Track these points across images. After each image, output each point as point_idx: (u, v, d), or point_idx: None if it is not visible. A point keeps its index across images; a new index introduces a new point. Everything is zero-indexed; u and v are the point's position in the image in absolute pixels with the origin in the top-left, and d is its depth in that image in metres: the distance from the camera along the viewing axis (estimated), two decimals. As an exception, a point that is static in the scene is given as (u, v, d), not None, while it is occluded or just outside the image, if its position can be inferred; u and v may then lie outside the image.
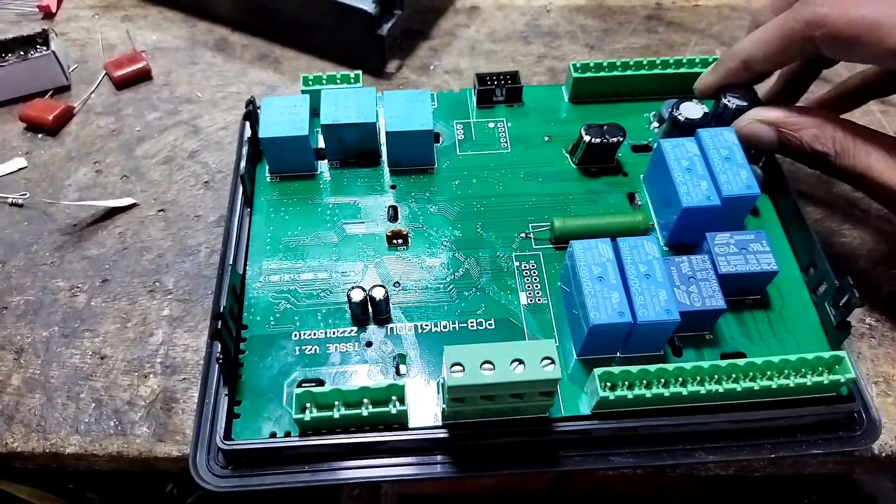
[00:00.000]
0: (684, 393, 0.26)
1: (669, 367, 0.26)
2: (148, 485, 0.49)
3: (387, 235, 0.32)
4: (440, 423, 0.27)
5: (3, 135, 0.41)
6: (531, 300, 0.30)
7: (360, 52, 0.37)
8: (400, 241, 0.32)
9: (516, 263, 0.31)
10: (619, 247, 0.28)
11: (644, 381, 0.26)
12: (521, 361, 0.24)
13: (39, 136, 0.40)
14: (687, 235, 0.31)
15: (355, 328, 0.29)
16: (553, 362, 0.24)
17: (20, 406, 0.31)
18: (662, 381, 0.26)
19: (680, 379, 0.26)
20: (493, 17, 0.48)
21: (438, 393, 0.27)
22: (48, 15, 0.47)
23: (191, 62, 0.44)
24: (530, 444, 0.27)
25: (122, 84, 0.43)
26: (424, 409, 0.27)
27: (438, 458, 0.27)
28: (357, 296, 0.29)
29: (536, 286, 0.31)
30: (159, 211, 0.37)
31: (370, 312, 0.30)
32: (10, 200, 0.37)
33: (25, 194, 0.38)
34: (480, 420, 0.26)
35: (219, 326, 0.26)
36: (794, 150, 0.30)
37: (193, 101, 0.42)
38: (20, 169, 0.39)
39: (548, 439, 0.27)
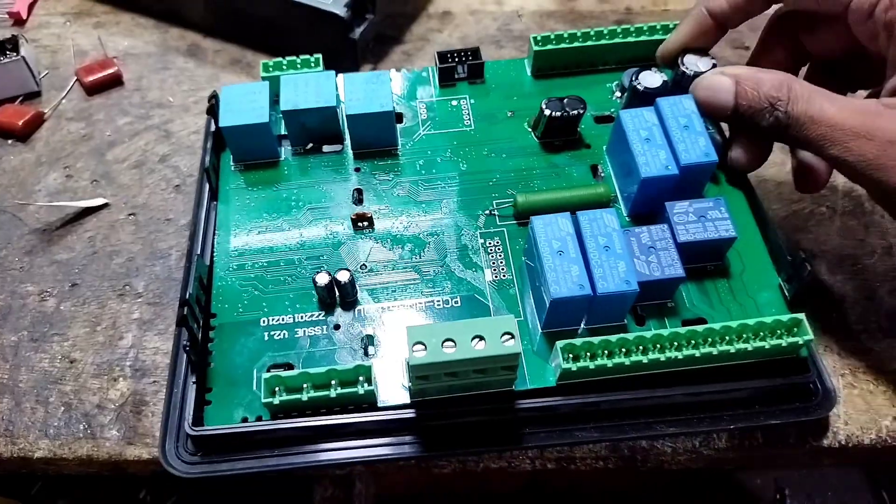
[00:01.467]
0: (645, 361, 0.26)
1: (630, 336, 0.26)
2: (120, 491, 0.49)
3: (352, 218, 0.32)
4: (408, 402, 0.27)
5: (-29, 141, 0.40)
6: (496, 276, 0.30)
7: (333, 56, 0.37)
8: (365, 223, 0.32)
9: (481, 241, 0.31)
10: (578, 220, 0.28)
11: (606, 351, 0.26)
12: (481, 338, 0.24)
13: (9, 141, 0.40)
14: (648, 205, 0.31)
15: (323, 312, 0.30)
16: (513, 337, 0.24)
17: (-12, 411, 0.30)
18: (624, 350, 0.26)
19: (641, 347, 0.26)
20: (465, 23, 0.48)
21: (405, 372, 0.28)
22: (18, 22, 0.47)
23: (162, 67, 0.44)
24: (496, 422, 0.28)
25: (93, 89, 0.43)
26: (393, 389, 0.27)
27: (407, 438, 0.27)
28: (322, 280, 0.29)
29: (501, 262, 0.31)
30: (130, 215, 0.37)
31: (336, 296, 0.30)
32: (-22, 206, 0.37)
33: (-6, 199, 0.37)
34: (447, 397, 0.27)
35: (185, 313, 0.27)
36: (749, 108, 0.29)
37: (165, 105, 0.42)
38: (-11, 174, 0.39)
39: (513, 417, 0.27)
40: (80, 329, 0.33)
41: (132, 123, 0.41)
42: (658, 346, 0.26)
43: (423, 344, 0.24)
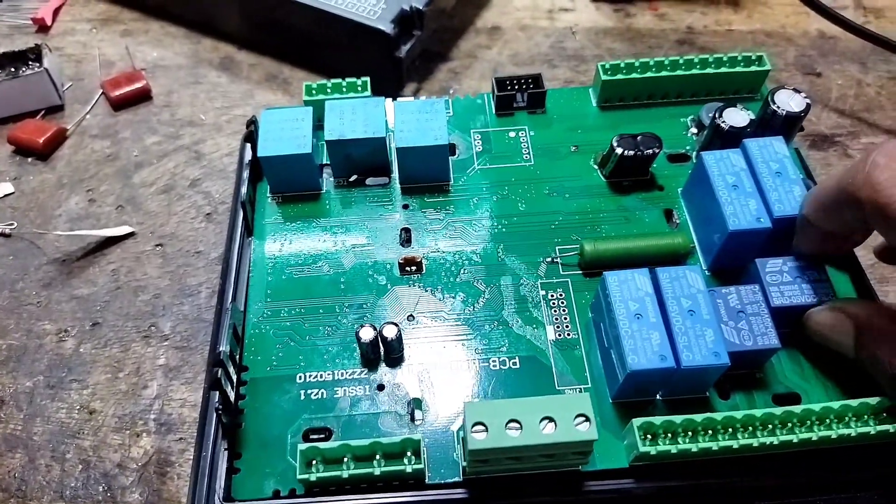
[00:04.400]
0: (735, 446, 0.23)
1: (717, 415, 0.23)
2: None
3: (399, 262, 0.29)
4: (460, 479, 0.24)
5: (-10, 158, 0.38)
6: (559, 335, 0.27)
7: (376, 74, 0.34)
8: (413, 268, 0.29)
9: (542, 292, 0.28)
10: (658, 279, 0.25)
11: (689, 431, 0.23)
12: (551, 419, 0.21)
13: (29, 159, 0.38)
14: (733, 260, 0.28)
15: (365, 369, 0.27)
16: (588, 420, 0.21)
17: (-1, 467, 0.28)
18: (710, 431, 0.23)
19: (729, 429, 0.23)
20: (515, 39, 0.45)
21: (457, 444, 0.25)
22: (43, 28, 0.45)
23: (194, 82, 0.42)
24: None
25: (119, 104, 0.40)
26: (442, 462, 0.25)
27: None
28: (367, 335, 0.26)
29: (565, 318, 0.28)
30: (157, 245, 0.34)
31: (381, 352, 0.27)
32: (-5, 230, 0.34)
33: (12, 224, 0.35)
34: (505, 475, 0.24)
35: (218, 375, 0.24)
36: (873, 364, 0.24)
37: (196, 124, 0.39)
38: (6, 195, 0.36)
39: (578, 500, 0.24)
40: (100, 375, 0.30)
41: (161, 143, 0.38)
42: (749, 427, 0.23)
43: (484, 425, 0.21)
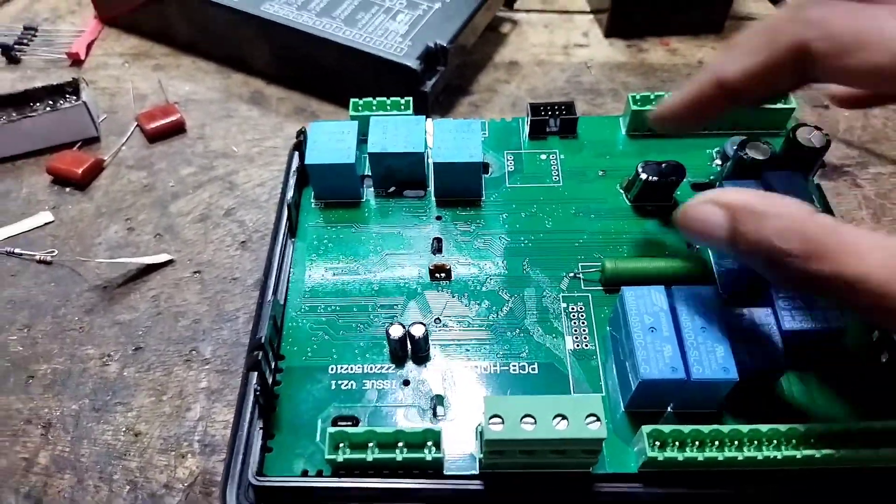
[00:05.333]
0: (739, 458, 0.24)
1: (725, 428, 0.24)
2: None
3: (430, 269, 0.31)
4: (477, 472, 0.25)
5: (28, 188, 0.39)
6: (577, 345, 0.29)
7: (402, 107, 0.36)
8: (443, 275, 0.31)
9: (563, 305, 0.30)
10: (673, 296, 0.26)
11: (696, 442, 0.24)
12: (564, 417, 0.22)
13: (67, 189, 0.39)
14: (747, 285, 0.29)
15: (393, 365, 0.28)
16: (598, 420, 0.22)
17: (48, 488, 0.29)
18: (716, 442, 0.24)
19: (735, 442, 0.24)
20: (532, 74, 0.47)
21: (476, 440, 0.26)
22: (77, 62, 0.46)
23: (225, 115, 0.43)
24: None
25: (154, 137, 0.41)
26: (460, 455, 0.26)
27: None
28: (396, 332, 0.27)
29: (584, 330, 0.29)
30: (195, 272, 0.35)
31: (408, 350, 0.28)
32: (37, 257, 0.35)
33: (53, 251, 0.36)
34: (519, 472, 0.25)
35: (258, 357, 0.26)
36: (748, 249, 0.23)
37: (229, 155, 0.41)
38: (46, 224, 0.37)
39: (588, 502, 0.25)
40: (144, 398, 0.31)
41: (195, 174, 0.40)
42: (754, 442, 0.24)
43: (501, 418, 0.23)
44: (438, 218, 0.33)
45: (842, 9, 0.23)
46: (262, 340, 0.26)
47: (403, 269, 0.31)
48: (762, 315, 0.27)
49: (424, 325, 0.28)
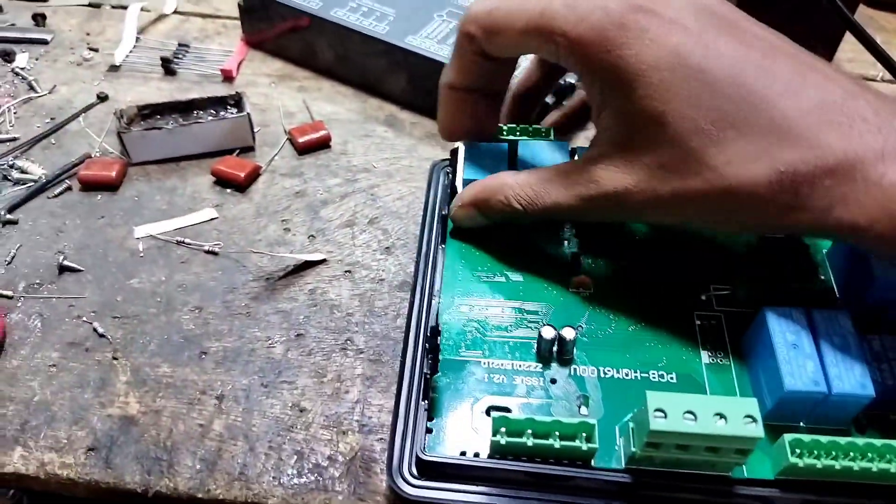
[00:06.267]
0: (873, 469, 0.25)
1: (859, 441, 0.26)
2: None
3: (574, 280, 0.34)
4: (622, 467, 0.27)
5: (193, 186, 0.43)
6: (713, 360, 0.31)
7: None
8: (584, 287, 0.33)
9: (698, 322, 0.32)
10: (814, 318, 0.29)
11: (832, 453, 0.26)
12: (722, 416, 0.24)
13: (228, 190, 0.42)
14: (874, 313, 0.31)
15: (540, 364, 0.31)
16: (755, 421, 0.24)
17: (223, 452, 0.31)
18: (850, 454, 0.26)
19: (868, 455, 0.26)
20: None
21: (620, 436, 0.28)
22: (228, 78, 0.50)
23: (364, 135, 0.47)
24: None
25: (303, 150, 0.45)
26: (605, 450, 0.28)
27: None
28: (548, 333, 0.30)
29: (719, 345, 0.31)
30: (346, 272, 0.38)
31: (555, 351, 0.31)
32: (205, 248, 0.39)
33: (219, 244, 0.39)
34: (664, 470, 0.27)
35: (438, 342, 0.29)
36: (499, 215, 0.33)
37: (369, 170, 0.44)
38: (212, 219, 0.41)
39: (731, 502, 0.27)
40: (307, 379, 0.34)
41: (341, 185, 0.43)
42: (887, 456, 0.26)
43: (664, 412, 0.25)
44: (579, 233, 0.35)
45: None
46: (440, 327, 0.29)
47: (550, 276, 0.34)
48: (892, 341, 0.29)
49: (574, 328, 0.30)
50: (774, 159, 0.26)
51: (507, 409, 0.29)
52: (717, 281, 0.33)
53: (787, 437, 0.26)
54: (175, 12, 0.56)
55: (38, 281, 0.37)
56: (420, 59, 0.45)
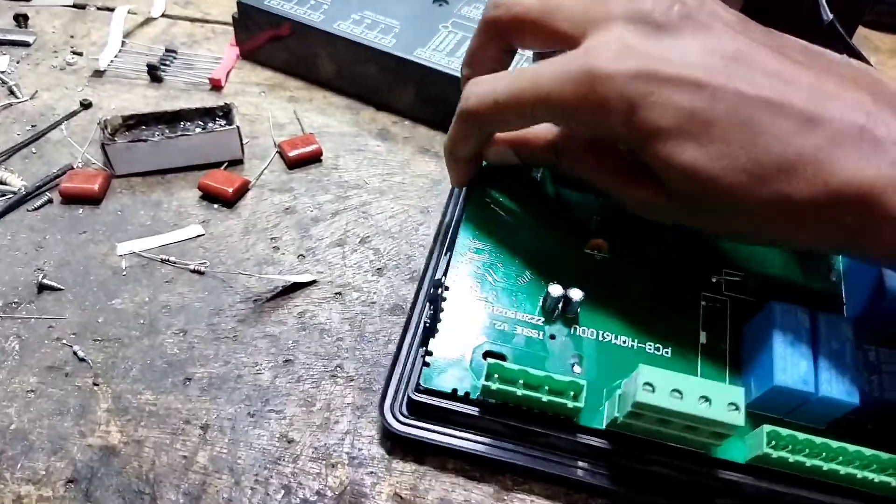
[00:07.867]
0: (840, 472, 0.26)
1: (833, 444, 0.26)
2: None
3: (591, 243, 0.34)
4: (602, 427, 0.28)
5: (178, 201, 0.41)
6: (710, 341, 0.31)
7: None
8: (599, 249, 0.34)
9: (703, 303, 0.32)
10: (818, 320, 0.29)
11: (805, 451, 0.26)
12: (707, 399, 0.25)
13: (215, 206, 0.41)
14: (881, 327, 0.31)
15: (542, 318, 0.31)
16: (738, 409, 0.25)
17: (207, 486, 0.30)
18: (823, 454, 0.26)
19: (839, 458, 0.26)
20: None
21: (606, 400, 0.29)
22: (216, 87, 0.49)
23: (356, 149, 0.45)
24: (684, 482, 0.28)
25: (294, 164, 0.43)
26: (591, 410, 0.29)
27: (590, 465, 0.29)
28: (556, 291, 0.30)
29: (719, 329, 0.31)
30: (336, 293, 0.37)
31: (559, 309, 0.31)
32: (191, 267, 0.37)
33: (206, 263, 0.38)
34: (639, 438, 0.28)
35: (440, 293, 0.31)
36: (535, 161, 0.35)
37: (361, 186, 0.43)
38: (198, 236, 0.39)
39: (703, 481, 0.28)
40: (295, 408, 0.33)
41: (332, 202, 0.42)
42: (856, 462, 0.26)
43: (652, 386, 0.25)
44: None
45: None
46: (442, 280, 0.31)
47: (567, 238, 0.34)
48: (888, 355, 0.30)
49: (582, 290, 0.30)
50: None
51: (503, 357, 0.30)
52: (730, 266, 0.33)
53: (766, 427, 0.27)
54: (163, 16, 0.54)
55: (16, 300, 0.36)
56: (430, 72, 0.44)
